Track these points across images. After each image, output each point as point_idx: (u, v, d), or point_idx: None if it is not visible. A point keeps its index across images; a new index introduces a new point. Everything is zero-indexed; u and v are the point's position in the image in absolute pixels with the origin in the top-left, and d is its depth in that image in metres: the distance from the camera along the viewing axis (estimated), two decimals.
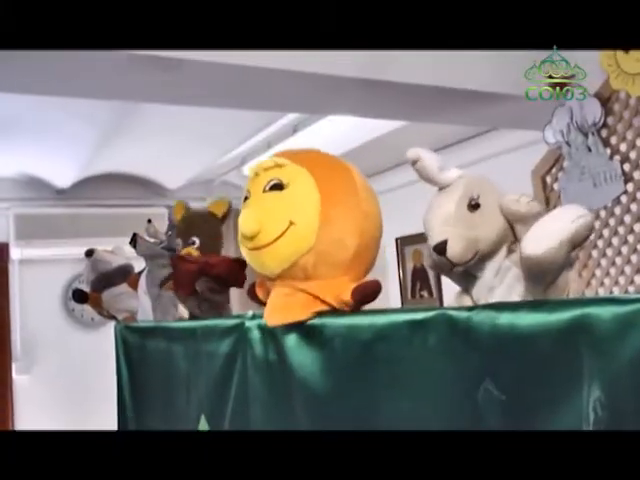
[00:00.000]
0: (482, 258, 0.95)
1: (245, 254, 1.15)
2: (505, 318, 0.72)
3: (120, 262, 2.05)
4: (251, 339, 1.25)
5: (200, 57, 1.79)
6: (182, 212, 1.82)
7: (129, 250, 1.92)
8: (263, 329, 1.21)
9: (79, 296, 2.08)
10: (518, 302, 0.84)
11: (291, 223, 1.06)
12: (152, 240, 1.82)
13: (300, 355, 1.08)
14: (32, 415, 4.15)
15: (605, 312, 0.59)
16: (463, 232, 0.90)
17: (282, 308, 1.11)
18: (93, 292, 2.05)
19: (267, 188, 1.10)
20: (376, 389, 0.92)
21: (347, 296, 1.03)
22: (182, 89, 2.09)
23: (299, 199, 1.08)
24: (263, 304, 1.19)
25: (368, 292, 1.03)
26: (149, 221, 1.85)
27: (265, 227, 1.07)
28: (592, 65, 2.16)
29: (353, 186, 1.11)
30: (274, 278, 1.13)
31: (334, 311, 1.05)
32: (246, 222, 1.08)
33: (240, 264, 1.55)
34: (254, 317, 1.28)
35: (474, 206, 0.92)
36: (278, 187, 1.09)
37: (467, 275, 1.01)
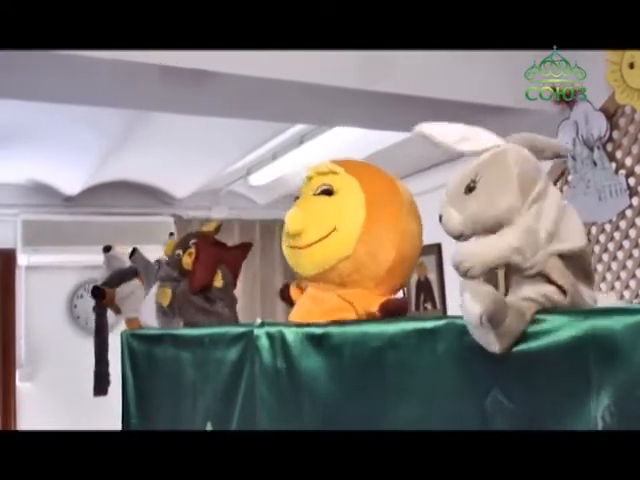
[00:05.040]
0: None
1: (285, 251, 1.19)
2: None
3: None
4: (259, 347, 1.26)
5: (209, 68, 1.82)
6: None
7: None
8: (272, 337, 1.22)
9: (97, 293, 2.08)
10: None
11: (334, 229, 1.10)
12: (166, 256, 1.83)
13: (309, 363, 1.10)
14: (35, 423, 4.13)
15: (614, 322, 0.60)
16: (454, 212, 0.90)
17: (307, 312, 1.15)
18: (109, 289, 2.07)
19: (317, 192, 1.14)
20: (385, 397, 0.93)
21: (374, 308, 1.06)
22: (192, 99, 2.11)
23: (345, 207, 1.11)
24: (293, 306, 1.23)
25: (395, 308, 1.06)
26: (171, 234, 1.87)
27: (308, 228, 1.11)
28: (598, 80, 2.18)
29: (398, 205, 1.15)
30: (308, 279, 1.17)
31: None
32: (291, 220, 1.12)
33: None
34: (262, 325, 1.29)
35: (470, 189, 0.90)
36: (327, 192, 1.13)
37: None
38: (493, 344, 0.74)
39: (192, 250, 1.71)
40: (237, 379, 1.36)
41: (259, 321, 1.31)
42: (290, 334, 1.14)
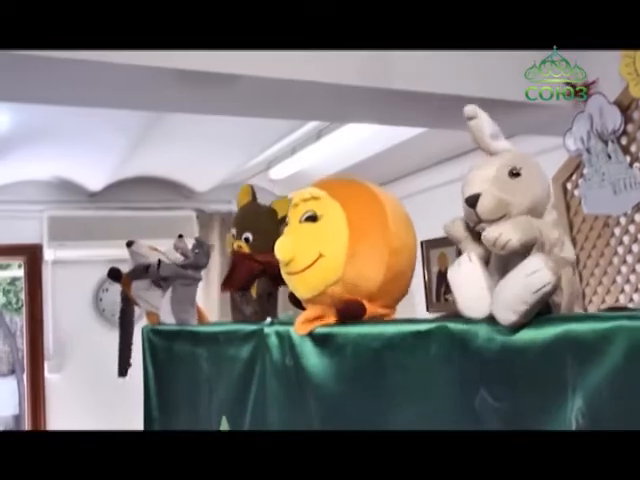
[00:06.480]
0: None
1: (283, 276, 1.22)
2: (499, 331, 0.77)
3: (155, 259, 2.08)
4: (269, 345, 1.31)
5: (226, 70, 1.86)
6: (246, 199, 1.78)
7: (174, 255, 1.97)
8: (281, 336, 1.27)
9: (114, 274, 2.12)
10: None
11: (320, 255, 1.12)
12: (179, 256, 1.87)
13: (314, 361, 1.14)
14: (63, 413, 4.26)
15: (586, 328, 0.64)
16: (497, 192, 0.91)
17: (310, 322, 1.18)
18: (127, 277, 2.10)
19: (303, 219, 1.16)
20: (383, 394, 0.97)
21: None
22: (210, 102, 2.16)
23: (329, 232, 1.13)
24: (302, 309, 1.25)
25: (353, 310, 1.10)
26: (180, 236, 1.90)
27: (297, 256, 1.13)
28: (612, 72, 2.17)
29: (384, 222, 1.13)
30: (305, 301, 1.19)
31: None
32: (281, 249, 1.15)
33: None
34: (272, 324, 1.34)
35: (515, 174, 0.93)
36: (312, 219, 1.15)
37: None
38: (509, 314, 0.75)
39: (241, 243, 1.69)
40: (249, 375, 1.41)
41: (269, 320, 1.36)
42: (296, 333, 1.19)
